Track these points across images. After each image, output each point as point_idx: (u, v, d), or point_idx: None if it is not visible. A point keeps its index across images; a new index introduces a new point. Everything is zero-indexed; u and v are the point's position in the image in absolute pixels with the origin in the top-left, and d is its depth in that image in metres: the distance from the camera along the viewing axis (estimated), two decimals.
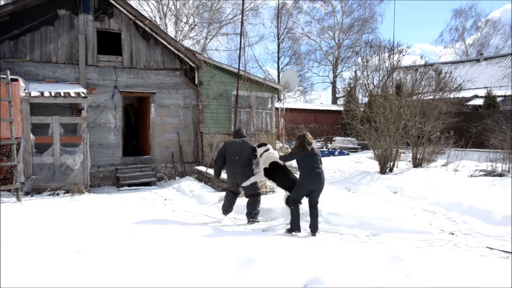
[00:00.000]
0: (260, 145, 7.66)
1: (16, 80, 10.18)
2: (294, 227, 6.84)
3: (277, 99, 16.83)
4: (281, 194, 9.53)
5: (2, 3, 12.82)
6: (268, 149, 7.53)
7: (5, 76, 9.86)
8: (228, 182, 7.95)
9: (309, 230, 6.84)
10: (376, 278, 4.06)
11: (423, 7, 71.86)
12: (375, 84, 17.71)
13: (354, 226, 7.18)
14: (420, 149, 14.38)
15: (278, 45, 42.58)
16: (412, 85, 15.21)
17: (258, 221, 7.68)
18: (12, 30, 11.34)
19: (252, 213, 7.64)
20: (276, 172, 7.32)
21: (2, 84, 9.84)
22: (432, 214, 8.34)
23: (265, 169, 7.34)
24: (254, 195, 7.68)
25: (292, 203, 6.90)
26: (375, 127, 13.68)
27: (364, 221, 7.28)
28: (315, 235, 6.72)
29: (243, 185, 7.54)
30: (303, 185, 6.90)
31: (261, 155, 7.50)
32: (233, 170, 7.66)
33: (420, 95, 15.05)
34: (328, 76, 45.58)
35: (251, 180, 7.50)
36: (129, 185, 12.08)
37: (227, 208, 7.91)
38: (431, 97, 15.24)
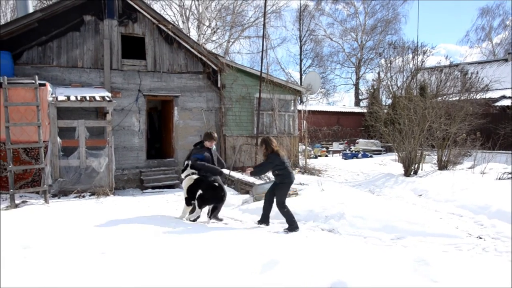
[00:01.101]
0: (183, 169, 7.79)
1: (44, 85, 10.41)
2: (294, 224, 7.14)
3: (299, 101, 16.77)
4: (305, 197, 9.49)
5: (31, 10, 13.09)
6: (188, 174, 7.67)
7: (33, 81, 10.10)
8: None
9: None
10: (402, 283, 3.99)
11: (448, 7, 70.63)
12: (398, 85, 17.49)
13: (379, 229, 7.08)
14: (445, 151, 14.13)
15: (300, 47, 42.53)
16: (437, 86, 14.98)
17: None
18: (41, 37, 11.61)
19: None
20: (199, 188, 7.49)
21: (30, 89, 10.08)
22: (458, 218, 8.17)
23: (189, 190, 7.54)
24: None
25: (282, 205, 7.22)
26: (399, 129, 13.51)
27: (388, 224, 7.18)
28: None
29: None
30: (288, 184, 7.32)
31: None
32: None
33: (445, 96, 14.79)
34: (350, 78, 45.29)
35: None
36: (153, 187, 12.20)
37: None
38: (457, 98, 14.96)
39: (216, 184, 7.53)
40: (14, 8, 22.61)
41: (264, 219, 7.53)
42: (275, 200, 7.34)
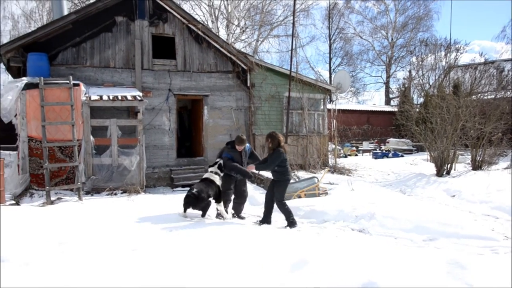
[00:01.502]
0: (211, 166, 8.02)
1: (78, 85, 10.66)
2: (293, 221, 7.31)
3: (329, 100, 16.63)
4: (335, 196, 9.41)
5: (66, 13, 13.43)
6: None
7: (67, 82, 10.38)
8: None
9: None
10: (435, 285, 3.88)
11: (482, 2, 68.66)
12: (431, 83, 17.11)
13: (410, 230, 6.94)
14: (480, 151, 13.73)
15: (330, 46, 42.19)
16: (471, 84, 14.58)
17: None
18: (75, 38, 11.88)
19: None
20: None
21: (65, 89, 10.35)
22: (494, 220, 7.92)
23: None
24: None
25: (282, 202, 7.37)
26: (431, 128, 13.22)
27: (420, 225, 7.02)
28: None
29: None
30: (287, 181, 7.48)
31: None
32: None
33: (480, 95, 14.39)
34: (381, 76, 44.64)
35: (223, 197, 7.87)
36: (183, 186, 12.30)
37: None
38: (492, 96, 14.53)
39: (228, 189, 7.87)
40: (50, 11, 23.26)
41: (266, 219, 7.53)
42: (275, 197, 7.41)
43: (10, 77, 13.64)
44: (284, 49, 31.26)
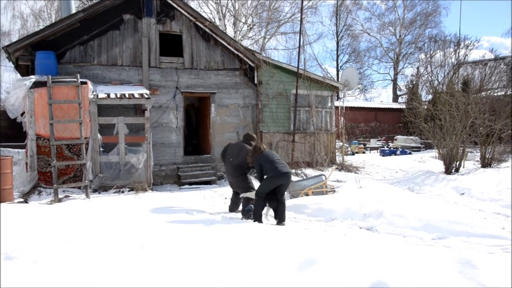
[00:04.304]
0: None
1: (85, 83, 10.68)
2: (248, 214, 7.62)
3: (336, 97, 16.54)
4: (343, 194, 9.36)
5: (74, 11, 13.46)
6: None
7: (75, 80, 10.41)
8: (228, 180, 8.75)
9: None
10: (446, 285, 3.83)
11: None
12: (439, 80, 16.91)
13: (419, 228, 6.87)
14: (489, 148, 13.58)
15: (337, 43, 42.05)
16: (480, 80, 14.42)
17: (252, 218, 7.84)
18: (82, 36, 11.89)
19: (245, 210, 7.89)
20: None
21: (72, 87, 10.38)
22: (505, 218, 7.82)
23: None
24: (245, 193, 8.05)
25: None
26: (439, 125, 13.09)
27: (429, 223, 6.94)
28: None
29: (241, 195, 8.04)
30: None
31: None
32: (226, 169, 8.41)
33: (489, 91, 14.23)
34: (388, 73, 44.36)
35: (246, 194, 7.91)
36: (190, 183, 12.31)
37: (231, 206, 8.52)
38: (503, 93, 14.36)
39: None
40: (59, 9, 23.34)
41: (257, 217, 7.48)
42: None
43: (18, 76, 13.72)
44: (291, 46, 31.18)
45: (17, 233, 5.41)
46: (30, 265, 4.24)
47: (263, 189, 7.30)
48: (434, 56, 18.59)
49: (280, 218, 7.34)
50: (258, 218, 7.26)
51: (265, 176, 7.38)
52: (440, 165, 13.86)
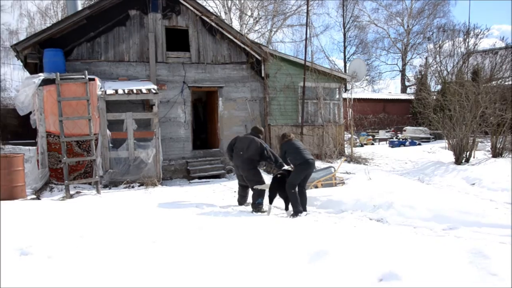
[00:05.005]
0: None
1: (93, 79, 10.74)
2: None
3: (344, 89, 16.49)
4: (352, 186, 9.37)
5: (80, 8, 13.53)
6: None
7: (83, 76, 10.48)
8: (236, 173, 8.73)
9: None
10: (457, 275, 3.83)
11: None
12: (448, 70, 16.80)
13: (429, 219, 6.85)
14: (500, 138, 13.49)
15: (344, 34, 41.85)
16: (491, 69, 14.30)
17: (262, 211, 7.91)
18: (89, 33, 11.95)
19: (256, 203, 7.93)
20: None
21: (81, 84, 10.45)
22: None
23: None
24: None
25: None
26: (449, 116, 13.02)
27: (439, 213, 6.93)
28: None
29: (254, 187, 8.03)
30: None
31: None
32: (236, 163, 8.40)
33: (500, 80, 14.11)
34: (397, 64, 44.06)
35: (258, 187, 7.96)
36: (199, 177, 12.37)
37: (239, 200, 8.58)
38: None
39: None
40: (65, 7, 23.45)
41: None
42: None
43: (27, 74, 13.84)
44: (298, 39, 31.07)
45: (31, 229, 5.50)
46: (45, 260, 4.32)
47: (295, 179, 7.57)
48: (443, 46, 18.47)
49: (303, 207, 7.60)
50: (298, 208, 7.45)
51: (287, 166, 7.83)
52: (450, 156, 13.79)
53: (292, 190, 7.48)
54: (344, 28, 41.62)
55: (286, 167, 7.85)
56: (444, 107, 13.66)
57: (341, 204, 8.03)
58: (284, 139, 7.97)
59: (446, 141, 14.46)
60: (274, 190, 7.61)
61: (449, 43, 17.96)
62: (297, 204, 7.47)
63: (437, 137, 24.68)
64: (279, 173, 7.76)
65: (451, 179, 10.87)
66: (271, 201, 7.57)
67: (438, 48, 18.10)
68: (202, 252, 4.71)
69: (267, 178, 9.13)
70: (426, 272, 3.90)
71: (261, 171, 8.54)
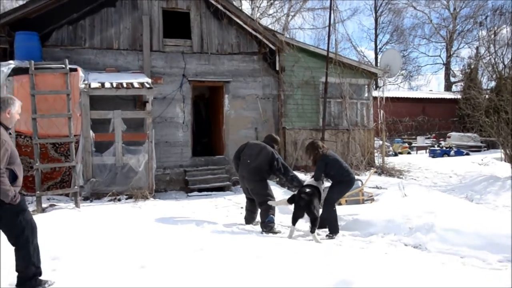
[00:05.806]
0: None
1: (75, 70, 10.72)
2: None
3: (375, 86, 16.40)
4: (383, 203, 9.26)
5: None
6: None
7: (63, 66, 10.42)
8: (241, 186, 8.68)
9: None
10: None
11: None
12: (505, 63, 16.54)
13: (480, 247, 6.67)
14: None
15: (376, 20, 41.77)
16: None
17: (275, 231, 7.81)
18: (71, 14, 11.93)
19: (266, 222, 7.82)
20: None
21: (60, 74, 10.43)
22: None
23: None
24: (264, 202, 7.95)
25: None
26: (506, 119, 12.84)
27: (493, 241, 6.74)
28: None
29: (262, 202, 7.94)
30: None
31: None
32: (241, 172, 8.31)
33: None
34: (439, 56, 43.90)
35: (271, 203, 7.88)
36: (200, 190, 12.32)
37: (247, 217, 8.52)
38: None
39: None
40: None
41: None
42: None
43: None
44: (320, 25, 31.10)
45: None
46: None
47: (338, 196, 7.89)
48: (499, 33, 18.27)
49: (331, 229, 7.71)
50: (335, 228, 7.64)
51: (325, 181, 7.98)
52: (507, 169, 13.62)
53: (334, 208, 7.66)
54: (376, 13, 41.55)
55: (313, 182, 7.73)
56: (500, 109, 13.49)
57: (369, 225, 7.93)
58: (319, 150, 7.88)
59: (502, 150, 14.30)
60: (302, 209, 7.44)
61: (506, 29, 17.74)
62: (337, 223, 7.68)
63: (490, 145, 24.49)
64: (307, 190, 7.58)
65: (508, 198, 10.70)
66: (294, 222, 7.42)
67: (492, 36, 17.86)
68: (199, 279, 4.63)
69: (280, 193, 9.05)
70: None
71: (272, 184, 8.45)
